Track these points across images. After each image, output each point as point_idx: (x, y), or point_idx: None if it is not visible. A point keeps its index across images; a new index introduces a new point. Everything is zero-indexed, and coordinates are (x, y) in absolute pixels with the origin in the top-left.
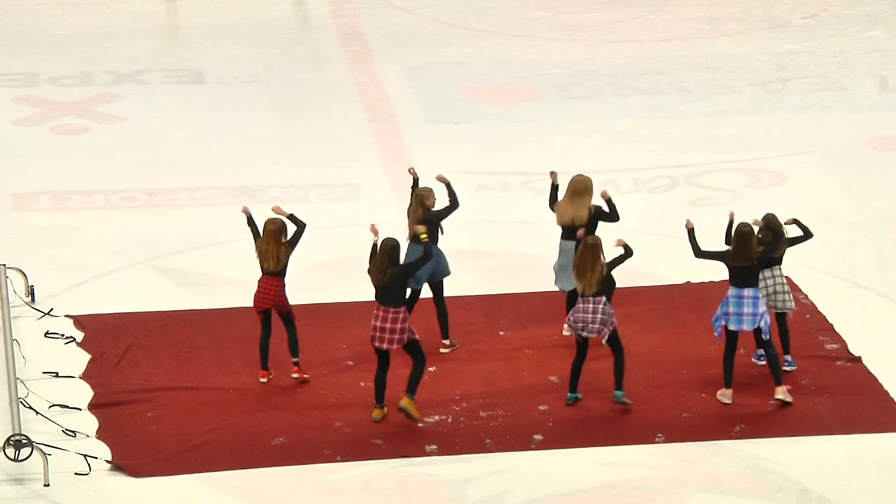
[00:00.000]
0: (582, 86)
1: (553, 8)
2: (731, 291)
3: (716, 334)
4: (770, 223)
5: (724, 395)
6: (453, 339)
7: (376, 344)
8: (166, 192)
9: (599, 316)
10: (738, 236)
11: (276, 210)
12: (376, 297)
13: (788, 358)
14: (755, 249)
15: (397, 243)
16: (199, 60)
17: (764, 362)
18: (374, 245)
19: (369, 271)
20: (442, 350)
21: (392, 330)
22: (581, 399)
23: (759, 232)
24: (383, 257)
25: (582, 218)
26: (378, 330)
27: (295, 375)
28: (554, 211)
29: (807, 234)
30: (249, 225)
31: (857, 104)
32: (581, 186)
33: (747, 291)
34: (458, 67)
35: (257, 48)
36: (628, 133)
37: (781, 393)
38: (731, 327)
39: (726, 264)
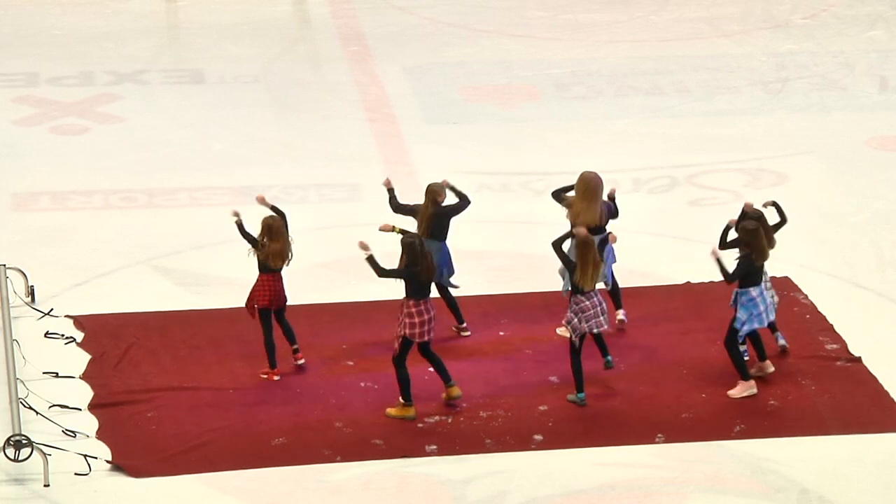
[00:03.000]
0: (582, 86)
1: (553, 8)
2: (755, 291)
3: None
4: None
5: (753, 387)
6: (453, 335)
7: (427, 337)
8: (166, 192)
9: (603, 307)
10: (757, 235)
11: (261, 200)
12: (420, 294)
13: (780, 335)
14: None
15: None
16: (199, 60)
17: None
18: (413, 245)
19: (419, 272)
20: (463, 334)
21: (432, 319)
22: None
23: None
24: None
25: (595, 221)
26: (429, 322)
27: (301, 362)
28: (565, 206)
29: (783, 219)
30: (242, 230)
31: (857, 104)
32: (594, 185)
33: (764, 286)
34: (458, 67)
35: (257, 48)
36: (628, 133)
37: (769, 366)
38: (763, 324)
39: (754, 267)
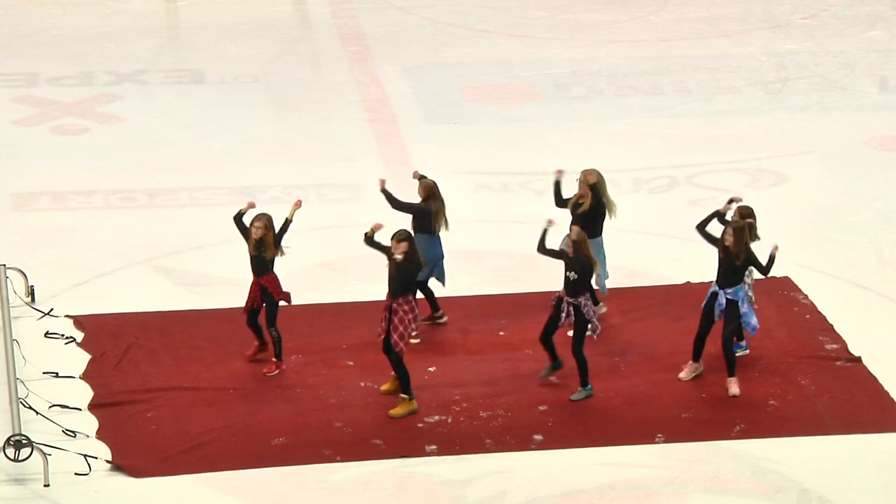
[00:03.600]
0: (582, 86)
1: (553, 8)
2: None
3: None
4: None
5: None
6: (453, 336)
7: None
8: (166, 192)
9: None
10: (744, 233)
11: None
12: (413, 292)
13: (743, 343)
14: None
15: None
16: (199, 60)
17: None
18: (414, 241)
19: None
20: (439, 321)
21: None
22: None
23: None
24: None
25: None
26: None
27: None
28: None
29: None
30: (238, 223)
31: (857, 104)
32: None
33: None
34: (458, 67)
35: (257, 48)
36: (628, 133)
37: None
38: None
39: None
